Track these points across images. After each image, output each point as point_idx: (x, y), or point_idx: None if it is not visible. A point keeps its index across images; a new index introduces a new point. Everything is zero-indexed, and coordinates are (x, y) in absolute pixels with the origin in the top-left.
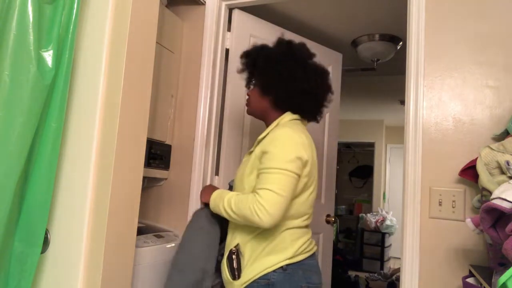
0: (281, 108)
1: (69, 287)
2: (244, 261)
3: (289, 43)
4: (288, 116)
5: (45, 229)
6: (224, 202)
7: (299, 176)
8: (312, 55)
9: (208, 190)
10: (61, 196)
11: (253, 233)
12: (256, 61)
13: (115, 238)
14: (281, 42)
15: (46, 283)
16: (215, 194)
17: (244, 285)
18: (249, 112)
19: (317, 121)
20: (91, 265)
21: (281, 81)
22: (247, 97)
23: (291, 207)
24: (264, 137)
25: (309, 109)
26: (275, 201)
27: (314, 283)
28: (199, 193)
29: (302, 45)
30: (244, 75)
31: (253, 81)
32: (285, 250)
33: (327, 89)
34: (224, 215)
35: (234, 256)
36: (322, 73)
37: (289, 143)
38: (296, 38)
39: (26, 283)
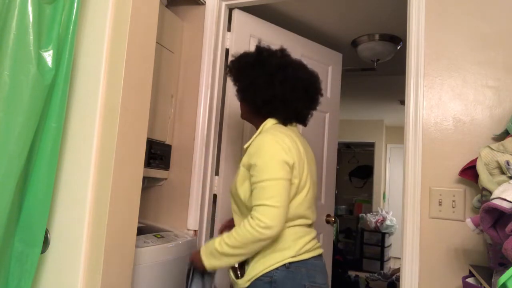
0: (260, 113)
1: (69, 287)
2: (249, 262)
3: (260, 52)
4: (270, 121)
5: (45, 229)
6: (217, 248)
7: (290, 179)
8: (283, 64)
9: (196, 255)
10: (61, 196)
11: None
12: (232, 71)
13: (115, 238)
14: (251, 53)
15: (46, 283)
16: (202, 251)
17: (248, 283)
18: (241, 117)
19: (304, 125)
20: (91, 265)
21: (248, 90)
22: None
23: (288, 211)
24: (249, 145)
25: (282, 115)
26: (273, 215)
27: (318, 283)
28: (193, 258)
29: (271, 55)
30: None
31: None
32: (287, 249)
33: (302, 96)
34: (225, 259)
35: None
36: (293, 81)
37: (272, 151)
38: (295, 38)
39: (26, 283)
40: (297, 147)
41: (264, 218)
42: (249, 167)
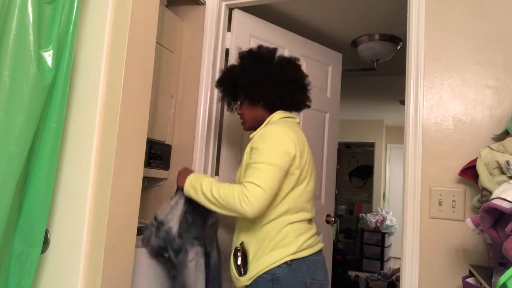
0: (274, 108)
1: (69, 287)
2: (250, 258)
3: (250, 50)
4: (278, 115)
5: (45, 229)
6: (203, 185)
7: (286, 170)
8: (274, 50)
9: (184, 173)
10: (61, 196)
11: (257, 231)
12: (235, 80)
13: (115, 238)
14: (243, 54)
15: (46, 283)
16: (189, 178)
17: (250, 281)
18: (247, 129)
19: (309, 106)
20: (91, 265)
21: (266, 84)
22: (239, 117)
23: (287, 201)
24: (255, 134)
25: (300, 98)
26: (259, 195)
27: (319, 279)
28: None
29: (260, 46)
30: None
31: (238, 101)
32: (289, 245)
33: (304, 74)
34: (201, 198)
35: (239, 254)
36: (294, 62)
37: (276, 139)
38: (295, 38)
39: (26, 283)
40: (302, 141)
41: (251, 196)
42: (251, 152)
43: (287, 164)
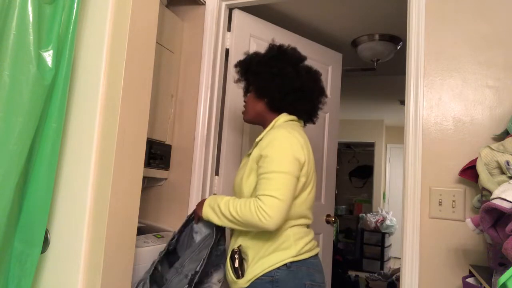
0: (277, 109)
1: (69, 287)
2: (248, 261)
3: (280, 46)
4: (283, 117)
5: (45, 229)
6: (221, 206)
7: (298, 177)
8: (303, 58)
9: (201, 203)
10: (61, 196)
11: (257, 234)
12: (249, 67)
13: (115, 238)
14: (272, 46)
15: (46, 283)
16: (208, 200)
17: (248, 283)
18: (246, 120)
19: (313, 123)
20: (91, 265)
21: (274, 81)
22: (244, 105)
23: (291, 208)
24: (261, 139)
25: (303, 108)
26: (276, 207)
27: (317, 282)
28: (196, 205)
29: (293, 49)
30: (242, 84)
31: (249, 88)
32: (288, 249)
33: (320, 89)
34: (222, 219)
35: (236, 256)
36: (315, 74)
37: (285, 145)
38: (295, 38)
39: (26, 283)
40: (308, 145)
41: (268, 209)
42: (259, 159)
43: (298, 171)
